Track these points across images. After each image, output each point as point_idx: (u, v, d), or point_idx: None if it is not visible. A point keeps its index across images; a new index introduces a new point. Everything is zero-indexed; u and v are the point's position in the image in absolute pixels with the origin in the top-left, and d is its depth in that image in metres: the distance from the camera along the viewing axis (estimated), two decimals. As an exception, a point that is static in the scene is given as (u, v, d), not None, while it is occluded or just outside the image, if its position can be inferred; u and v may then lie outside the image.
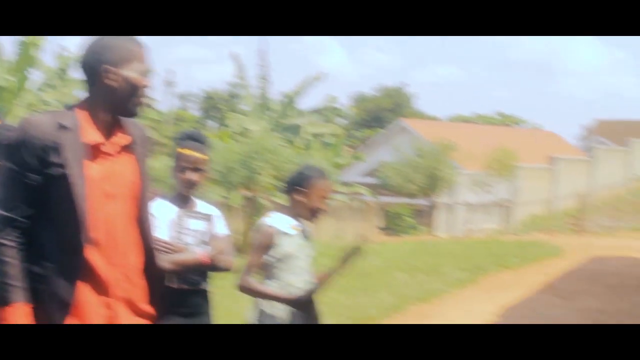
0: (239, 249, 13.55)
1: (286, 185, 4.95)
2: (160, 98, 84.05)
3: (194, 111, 57.20)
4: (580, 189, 38.32)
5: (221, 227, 4.95)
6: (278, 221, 4.82)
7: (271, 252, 4.74)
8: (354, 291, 12.75)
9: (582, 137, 61.68)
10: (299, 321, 4.72)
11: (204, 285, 4.87)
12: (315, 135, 38.86)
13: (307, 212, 4.85)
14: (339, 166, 37.18)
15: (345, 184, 37.39)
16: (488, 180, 35.01)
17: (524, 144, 42.27)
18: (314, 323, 4.85)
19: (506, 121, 63.74)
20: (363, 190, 37.79)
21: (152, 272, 3.65)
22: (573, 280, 14.82)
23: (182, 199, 4.86)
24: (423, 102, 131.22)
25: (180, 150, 4.83)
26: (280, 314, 4.72)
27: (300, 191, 4.83)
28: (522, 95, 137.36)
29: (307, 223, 4.95)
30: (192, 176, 4.80)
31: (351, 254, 4.72)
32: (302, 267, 4.82)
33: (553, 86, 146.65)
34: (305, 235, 4.88)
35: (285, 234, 4.77)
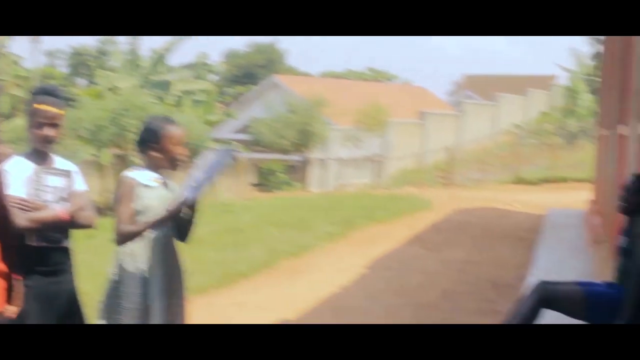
0: (110, 207, 13.37)
1: (138, 145, 4.88)
2: (26, 55, 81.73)
3: (62, 68, 55.80)
4: (449, 143, 39.09)
5: (80, 183, 4.86)
6: (139, 174, 4.77)
7: (133, 205, 4.69)
8: (224, 247, 12.76)
9: (451, 92, 62.81)
10: (158, 275, 4.69)
11: (64, 243, 4.78)
12: (186, 92, 38.50)
13: (166, 164, 4.81)
14: (210, 123, 36.97)
15: (218, 140, 37.22)
16: (359, 135, 35.35)
17: (394, 99, 42.78)
18: (177, 274, 4.81)
19: (377, 77, 64.32)
20: (235, 146, 37.68)
21: (6, 229, 3.57)
22: (440, 232, 15.13)
23: (39, 156, 4.75)
24: (295, 58, 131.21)
25: (36, 105, 4.70)
26: (142, 268, 4.68)
27: (152, 146, 4.78)
28: (393, 50, 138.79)
29: (170, 174, 4.89)
30: (49, 132, 4.69)
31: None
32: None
33: (423, 41, 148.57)
34: (167, 187, 4.83)
35: (146, 186, 4.72)
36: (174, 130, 4.79)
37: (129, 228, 4.64)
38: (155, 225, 4.67)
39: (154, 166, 4.81)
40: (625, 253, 6.16)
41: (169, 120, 4.87)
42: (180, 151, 4.82)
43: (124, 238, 4.66)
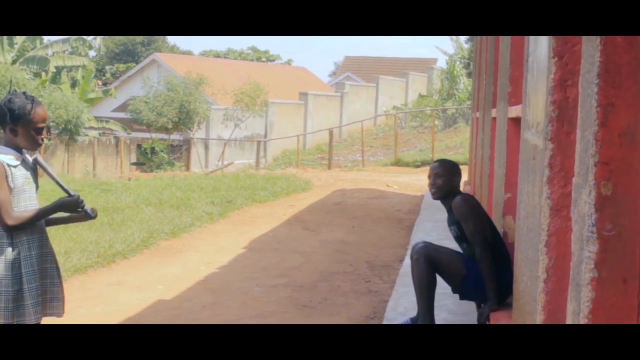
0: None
1: None
2: None
3: None
4: (330, 124, 39.37)
5: None
6: (2, 156, 4.59)
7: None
8: (102, 227, 12.61)
9: (332, 73, 63.16)
10: (30, 257, 4.59)
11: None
12: (64, 68, 37.75)
13: (25, 143, 4.64)
14: (90, 101, 36.40)
15: (97, 119, 36.69)
16: (240, 115, 35.31)
17: (276, 79, 42.83)
18: (47, 253, 4.72)
19: (259, 56, 64.24)
20: (115, 125, 37.23)
21: None
22: (319, 212, 15.26)
23: None
24: (176, 36, 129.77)
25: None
26: (11, 251, 4.56)
27: (12, 124, 4.60)
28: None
29: (29, 153, 4.74)
30: None
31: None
32: (30, 197, 4.65)
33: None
34: (26, 164, 4.68)
35: (10, 165, 4.56)
36: (38, 110, 4.62)
37: (22, 215, 4.52)
38: (48, 212, 4.62)
39: (11, 144, 4.64)
40: (460, 240, 6.24)
41: (32, 99, 4.70)
42: (41, 132, 4.67)
43: (16, 224, 4.53)
